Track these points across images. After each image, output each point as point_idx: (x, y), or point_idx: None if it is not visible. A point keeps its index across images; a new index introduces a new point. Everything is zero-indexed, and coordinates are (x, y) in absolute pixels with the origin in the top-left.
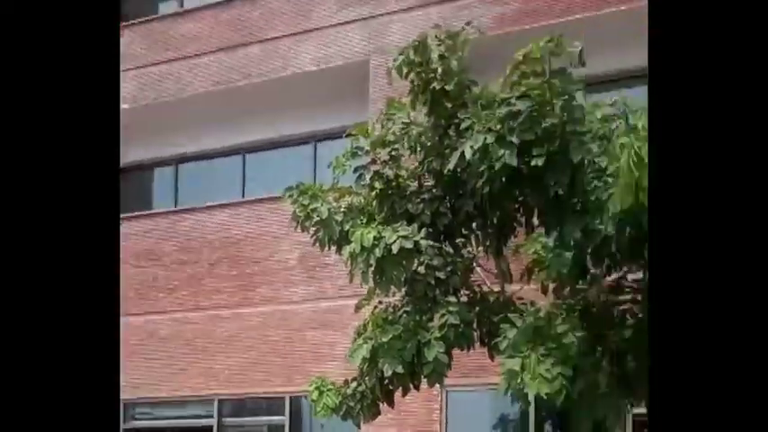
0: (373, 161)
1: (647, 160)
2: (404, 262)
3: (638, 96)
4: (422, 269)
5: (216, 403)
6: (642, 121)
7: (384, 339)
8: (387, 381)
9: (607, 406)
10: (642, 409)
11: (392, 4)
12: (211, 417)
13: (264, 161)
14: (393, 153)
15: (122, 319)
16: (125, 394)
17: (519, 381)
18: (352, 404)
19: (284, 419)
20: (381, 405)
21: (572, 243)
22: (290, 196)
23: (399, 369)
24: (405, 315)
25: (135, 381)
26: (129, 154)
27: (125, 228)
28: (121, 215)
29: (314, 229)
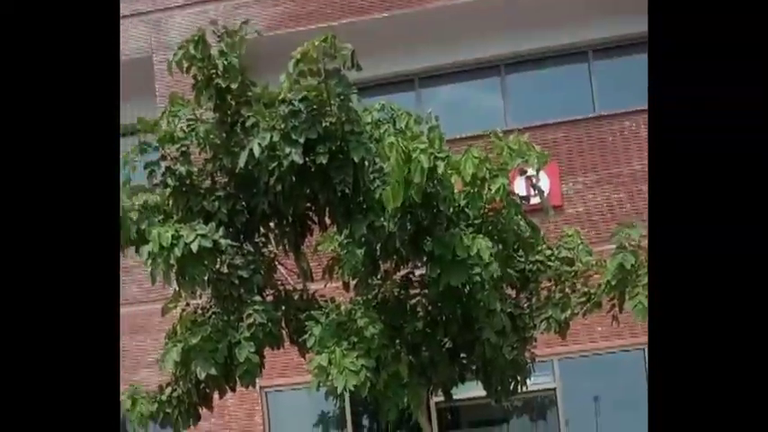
0: (163, 157)
1: (414, 158)
2: (205, 261)
3: (402, 101)
4: (224, 269)
5: None
6: (407, 123)
7: (194, 341)
8: (203, 384)
9: (409, 394)
10: (441, 398)
11: None
12: None
13: None
14: (183, 149)
15: None
16: None
17: (328, 375)
18: (169, 410)
19: None
20: (201, 410)
21: (362, 240)
22: None
23: (213, 371)
24: (213, 316)
25: None
26: None
27: None
28: None
29: None
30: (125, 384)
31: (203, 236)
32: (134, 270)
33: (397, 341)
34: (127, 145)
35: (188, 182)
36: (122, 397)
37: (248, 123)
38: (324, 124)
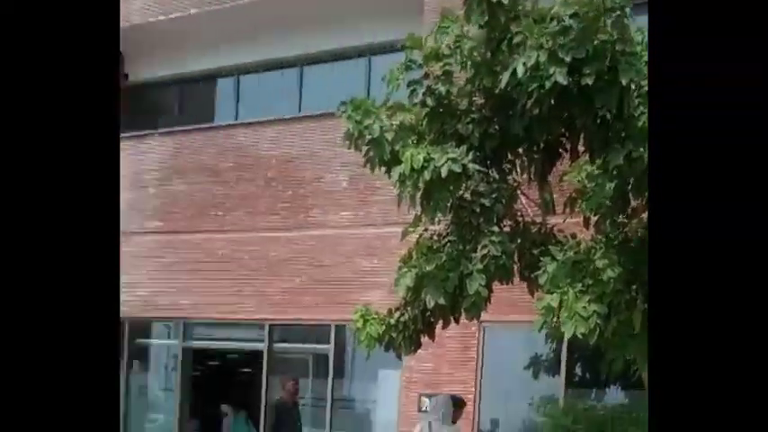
0: (426, 75)
1: None
2: (451, 187)
3: None
4: (468, 195)
5: (267, 328)
6: None
7: (428, 268)
8: (428, 312)
9: (639, 347)
10: None
11: None
12: (262, 341)
13: (322, 74)
14: (446, 68)
15: (185, 236)
16: (186, 313)
17: (555, 318)
18: (394, 335)
19: (329, 348)
20: (423, 337)
21: (614, 172)
22: (344, 112)
23: (442, 300)
24: (449, 244)
25: (195, 300)
26: (191, 63)
27: (186, 141)
28: (182, 127)
29: (366, 148)
30: (358, 303)
31: (453, 160)
32: (378, 191)
33: (634, 287)
34: (392, 61)
35: (446, 102)
36: (354, 316)
37: (515, 41)
38: (594, 42)
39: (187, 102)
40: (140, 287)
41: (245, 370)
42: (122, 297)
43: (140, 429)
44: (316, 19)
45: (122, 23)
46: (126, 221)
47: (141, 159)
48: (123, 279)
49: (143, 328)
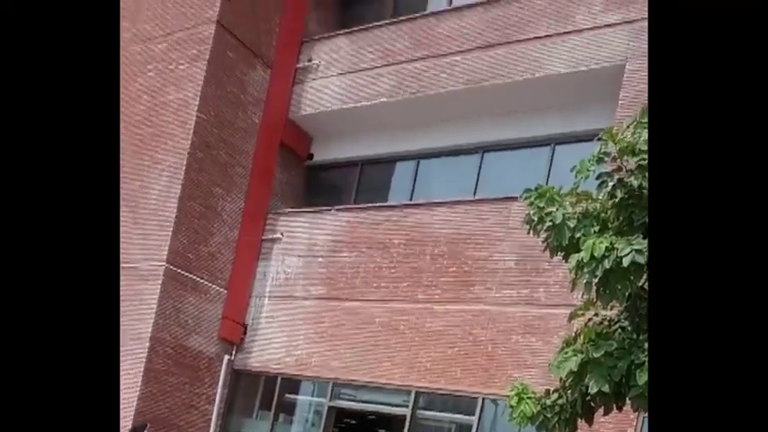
0: (618, 168)
1: None
2: (632, 276)
3: None
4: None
5: (413, 394)
6: None
7: (595, 354)
8: (589, 398)
9: None
10: None
11: None
12: (407, 407)
13: (500, 161)
14: (642, 162)
15: (346, 303)
16: (336, 374)
17: None
18: (549, 416)
19: (473, 420)
20: (580, 422)
21: None
22: (528, 198)
23: (605, 388)
24: (620, 331)
25: (346, 362)
26: (373, 147)
27: (360, 217)
28: (359, 205)
29: (545, 233)
30: (509, 379)
31: (638, 251)
32: (544, 272)
33: None
34: (583, 151)
35: (637, 194)
36: (509, 392)
37: None
38: None
39: (365, 182)
40: (297, 348)
41: None
42: (279, 355)
43: None
44: (500, 109)
45: (315, 109)
46: (293, 286)
47: (315, 232)
48: (282, 338)
49: (294, 385)
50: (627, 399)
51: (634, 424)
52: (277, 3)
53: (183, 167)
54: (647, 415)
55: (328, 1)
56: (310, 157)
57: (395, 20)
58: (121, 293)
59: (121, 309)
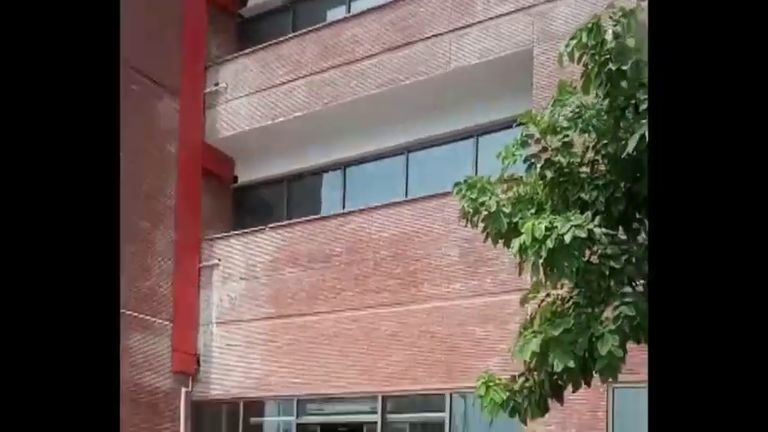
0: (544, 149)
1: None
2: (576, 252)
3: None
4: (595, 259)
5: (380, 400)
6: None
7: (554, 333)
8: (556, 376)
9: None
10: None
11: None
12: (375, 413)
13: (426, 159)
14: (565, 139)
15: (296, 319)
16: (298, 391)
17: None
18: (519, 400)
19: (444, 416)
20: (550, 402)
21: None
22: (459, 191)
23: (571, 364)
24: (575, 307)
25: (307, 378)
26: (296, 161)
27: (297, 232)
28: (293, 220)
29: (483, 224)
30: (476, 371)
31: (578, 226)
32: (489, 261)
33: None
34: (507, 138)
35: (567, 171)
36: (477, 383)
37: (642, 107)
38: None
39: (295, 197)
40: (255, 370)
41: None
42: (237, 380)
43: None
44: (418, 108)
45: (232, 131)
46: (239, 310)
47: (252, 253)
48: (238, 362)
49: (258, 407)
50: (594, 372)
51: (605, 397)
52: (175, 32)
53: None
54: (616, 386)
55: (226, 25)
56: (235, 179)
57: (298, 33)
58: None
59: None
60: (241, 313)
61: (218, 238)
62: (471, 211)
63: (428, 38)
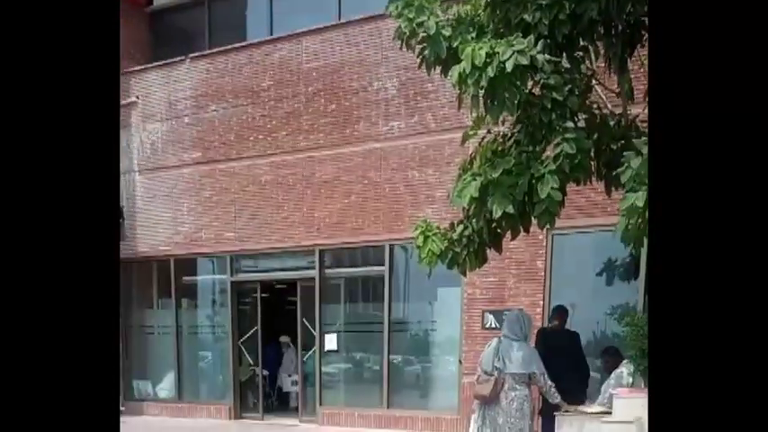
0: None
1: None
2: (518, 81)
3: None
4: (537, 90)
5: (317, 253)
6: None
7: (494, 175)
8: (495, 223)
9: None
10: None
11: None
12: (313, 268)
13: None
14: None
15: (224, 165)
16: (231, 246)
17: (639, 219)
18: (458, 250)
19: (384, 270)
20: (489, 251)
21: None
22: (396, 9)
23: (510, 209)
24: (516, 145)
25: (240, 232)
26: None
27: (220, 63)
28: (215, 50)
29: (420, 47)
30: (413, 219)
31: (520, 51)
32: (430, 96)
33: None
34: None
35: None
36: (414, 233)
37: None
38: None
39: (217, 22)
40: (182, 224)
41: (295, 299)
42: (165, 235)
43: (194, 368)
44: None
45: None
46: (162, 155)
47: (174, 88)
48: (164, 215)
49: (189, 265)
50: (532, 217)
51: (544, 244)
52: None
53: None
54: (555, 233)
55: None
56: (150, 2)
57: None
58: None
59: None
60: (165, 159)
61: (133, 71)
62: (408, 32)
63: None
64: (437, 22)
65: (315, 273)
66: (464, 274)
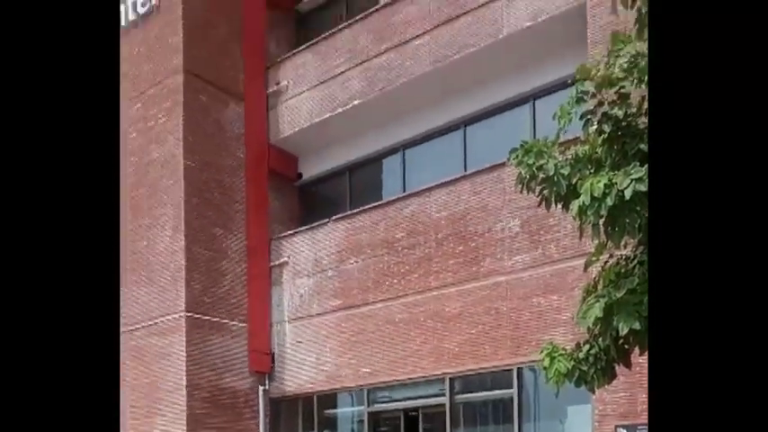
0: (600, 103)
1: None
2: (638, 207)
3: None
4: None
5: (447, 381)
6: None
7: (618, 295)
8: (621, 340)
9: None
10: None
11: None
12: (444, 395)
13: (485, 130)
14: (621, 91)
15: (362, 309)
16: (367, 380)
17: None
18: (585, 368)
19: (512, 392)
20: (618, 367)
21: None
22: (515, 157)
23: (636, 326)
24: (639, 266)
25: (375, 366)
26: (356, 150)
27: (358, 222)
28: (354, 210)
29: (540, 187)
30: (539, 342)
31: (638, 180)
32: (552, 229)
33: None
34: (563, 99)
35: (624, 125)
36: (540, 355)
37: None
38: None
39: (357, 186)
40: (325, 363)
41: (428, 426)
42: (310, 374)
43: None
44: (473, 79)
45: (294, 129)
46: (308, 306)
47: (319, 247)
48: (309, 357)
49: (331, 399)
50: None
51: None
52: (234, 33)
53: (183, 217)
54: None
55: (283, 21)
56: (299, 176)
57: (351, 21)
58: (149, 349)
59: (154, 363)
60: (310, 308)
61: (285, 236)
62: (528, 176)
63: (477, 7)
64: (556, 164)
65: (446, 399)
66: (593, 392)
